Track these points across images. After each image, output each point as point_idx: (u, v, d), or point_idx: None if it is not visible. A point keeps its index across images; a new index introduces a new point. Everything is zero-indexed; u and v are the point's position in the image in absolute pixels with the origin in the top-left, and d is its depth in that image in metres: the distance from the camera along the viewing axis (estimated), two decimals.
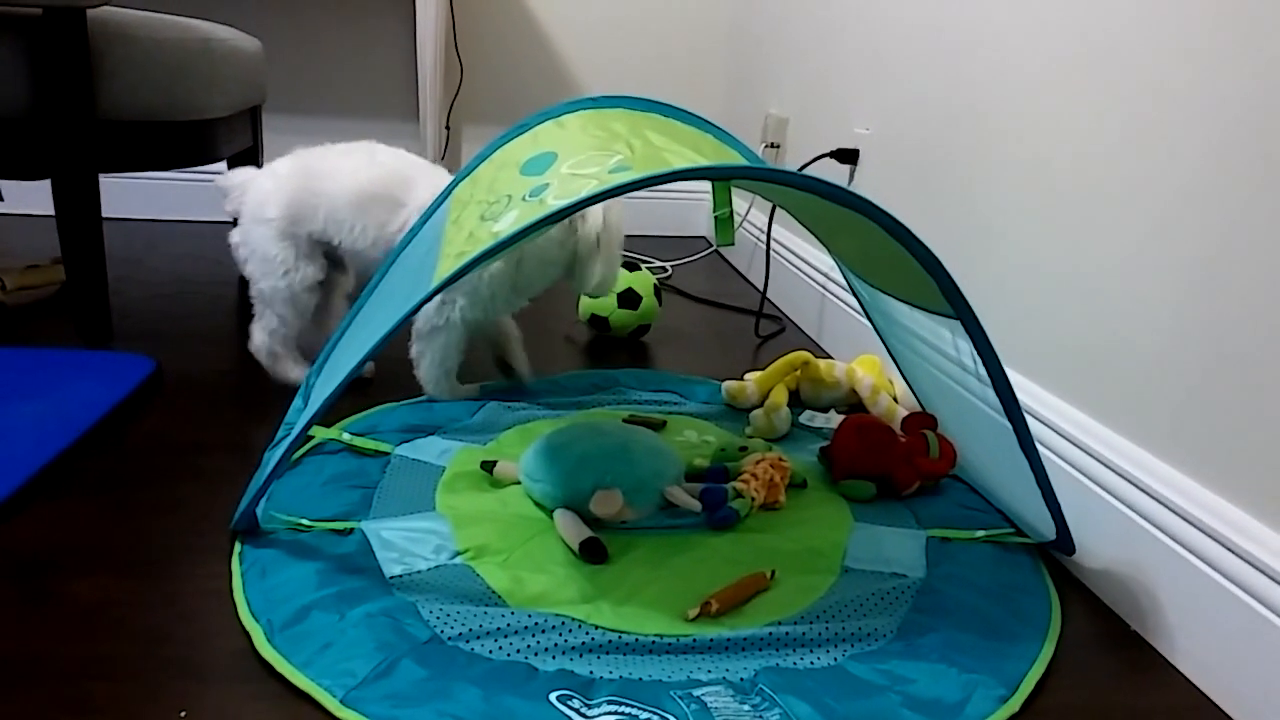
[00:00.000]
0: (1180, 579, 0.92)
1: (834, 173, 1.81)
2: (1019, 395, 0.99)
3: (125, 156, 1.53)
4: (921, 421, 1.26)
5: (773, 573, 0.98)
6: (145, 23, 1.53)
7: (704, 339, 1.88)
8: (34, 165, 1.48)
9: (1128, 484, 0.99)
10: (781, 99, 2.23)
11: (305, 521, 1.02)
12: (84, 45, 1.42)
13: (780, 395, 1.44)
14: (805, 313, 1.97)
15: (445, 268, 0.96)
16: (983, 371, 0.95)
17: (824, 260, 1.89)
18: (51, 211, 1.50)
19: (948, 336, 1.03)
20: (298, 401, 1.27)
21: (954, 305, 0.91)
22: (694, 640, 0.86)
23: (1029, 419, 1.11)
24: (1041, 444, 1.12)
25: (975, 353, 0.94)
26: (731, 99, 2.66)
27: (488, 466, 1.18)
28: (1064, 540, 1.04)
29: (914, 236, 0.87)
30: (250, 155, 1.96)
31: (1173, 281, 0.95)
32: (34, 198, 2.33)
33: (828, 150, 1.81)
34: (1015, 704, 0.82)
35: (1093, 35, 1.09)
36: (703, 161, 1.06)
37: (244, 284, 2.01)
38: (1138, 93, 1.01)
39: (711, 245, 2.68)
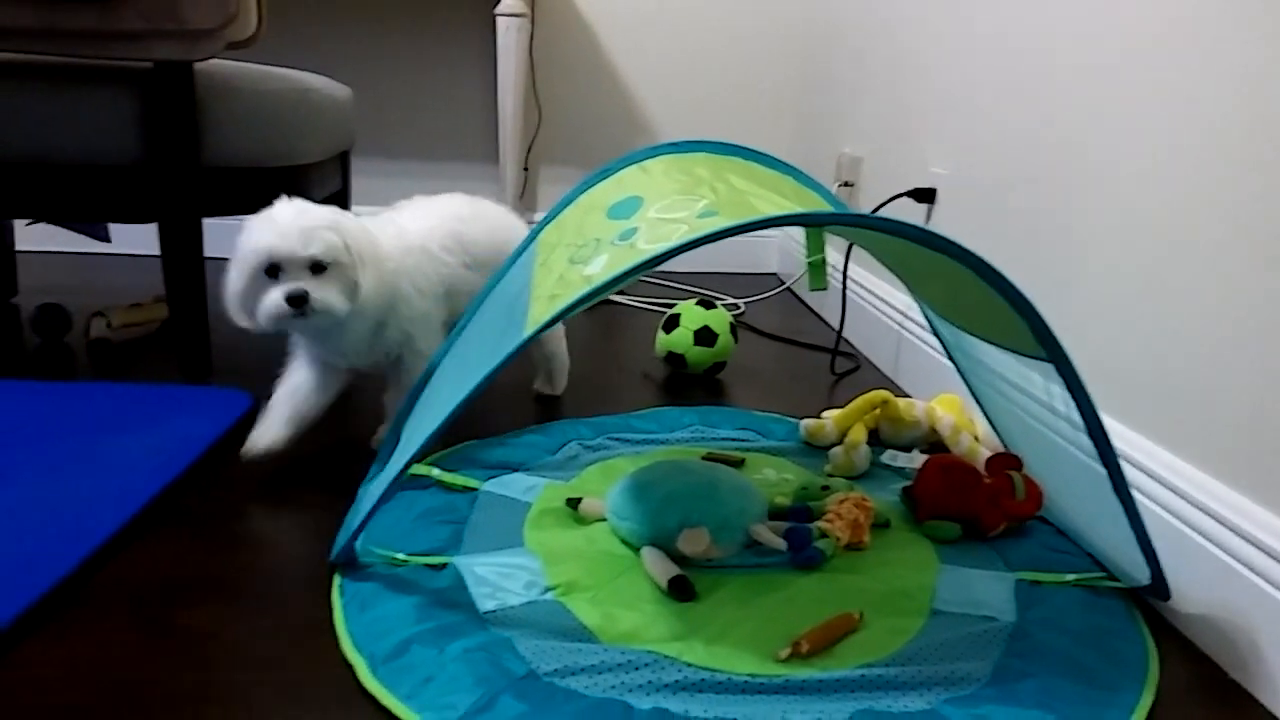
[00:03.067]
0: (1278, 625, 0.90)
1: (910, 212, 1.81)
2: (1111, 439, 0.98)
3: (226, 201, 1.60)
4: (1006, 462, 1.25)
5: (861, 614, 0.98)
6: (248, 74, 1.60)
7: (779, 376, 1.89)
8: (143, 210, 1.56)
9: (1224, 529, 0.97)
10: (855, 137, 2.25)
11: (400, 556, 1.05)
12: (191, 97, 1.49)
13: (860, 433, 1.44)
14: (881, 350, 1.97)
15: (539, 310, 0.99)
16: (1075, 416, 0.95)
17: (900, 298, 1.89)
18: (153, 251, 1.58)
19: (1038, 380, 1.03)
20: (389, 437, 1.31)
21: (1047, 349, 0.91)
22: (786, 681, 0.87)
23: (1122, 463, 1.10)
24: (1134, 488, 1.10)
25: (1068, 396, 0.94)
26: (804, 137, 2.68)
27: (573, 503, 1.20)
28: (1159, 585, 1.03)
29: (1006, 280, 0.88)
30: (340, 198, 2.03)
31: (1272, 325, 0.94)
32: (137, 238, 2.44)
33: (904, 190, 1.81)
34: None
35: (1181, 75, 1.09)
36: (787, 204, 1.08)
37: None
38: (1232, 132, 1.01)
39: (783, 283, 2.69)
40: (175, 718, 0.80)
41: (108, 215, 1.61)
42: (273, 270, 1.19)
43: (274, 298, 1.20)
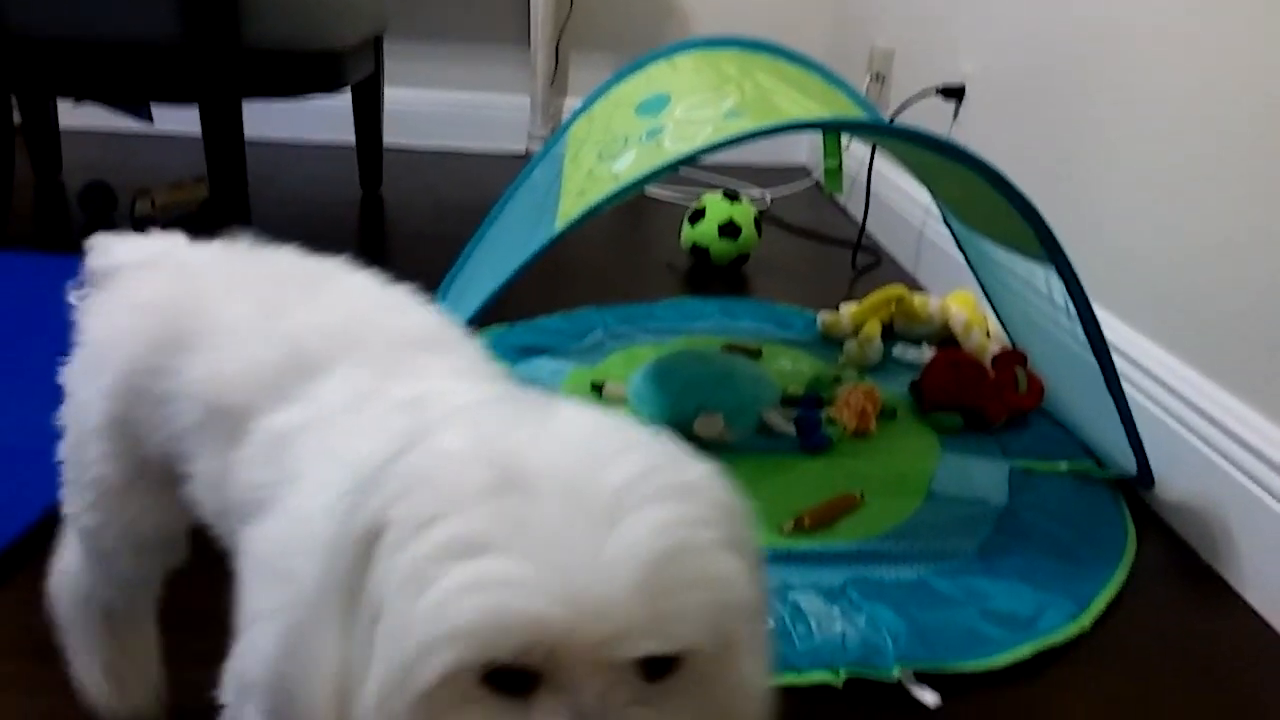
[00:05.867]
0: (1255, 515, 0.96)
1: (939, 110, 1.82)
2: (1109, 334, 1.04)
3: (265, 84, 1.64)
4: (1012, 358, 1.31)
5: (862, 494, 1.06)
6: None
7: (801, 270, 1.94)
8: (183, 90, 1.60)
9: (1209, 424, 1.03)
10: (888, 31, 2.23)
11: None
12: None
13: (874, 327, 1.49)
14: (903, 246, 2.00)
15: (568, 205, 1.04)
16: (1072, 310, 1.00)
17: (924, 195, 1.91)
18: (192, 131, 1.62)
19: (1040, 274, 1.07)
20: None
21: (1049, 252, 0.96)
22: (789, 552, 0.95)
23: (1117, 358, 1.15)
24: (1127, 382, 1.16)
25: (1066, 292, 0.99)
26: (837, 29, 2.65)
27: (597, 388, 1.28)
28: (1144, 474, 1.10)
29: (1013, 187, 0.92)
30: (373, 82, 2.06)
31: (1275, 233, 0.98)
32: (179, 118, 2.48)
33: (933, 86, 1.82)
34: (1085, 621, 0.89)
35: None
36: (812, 105, 1.11)
37: (366, 205, 2.13)
38: (1252, 41, 1.02)
39: (811, 175, 2.70)
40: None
41: (149, 95, 1.66)
42: (508, 674, 0.37)
43: None
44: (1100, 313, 1.06)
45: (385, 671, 0.37)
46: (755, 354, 1.45)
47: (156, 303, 0.61)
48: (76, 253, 0.73)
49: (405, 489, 0.38)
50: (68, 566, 0.71)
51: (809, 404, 1.25)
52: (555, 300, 1.63)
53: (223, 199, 1.66)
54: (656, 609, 0.37)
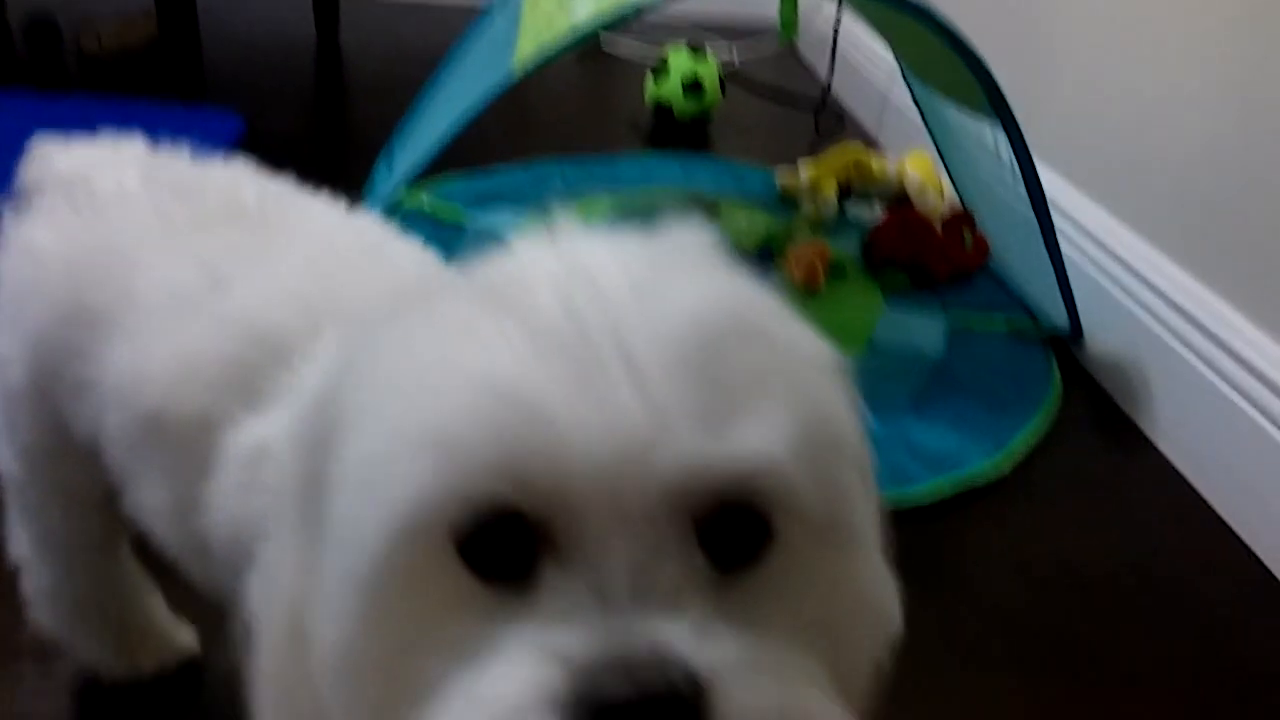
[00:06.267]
0: (1172, 368, 1.02)
1: None
2: (1052, 193, 1.06)
3: None
4: (959, 219, 1.33)
5: None
6: None
7: (764, 130, 1.94)
8: None
9: (1137, 280, 1.08)
10: None
11: None
12: None
13: (829, 186, 1.51)
14: (867, 108, 2.00)
15: (525, 49, 1.04)
16: (1017, 169, 1.03)
17: (890, 58, 1.90)
18: None
19: (989, 132, 1.10)
20: (381, 168, 1.38)
21: (994, 106, 0.97)
22: None
23: (1057, 216, 1.18)
24: (1065, 239, 1.19)
25: (1010, 148, 1.01)
26: None
27: None
28: (1074, 329, 1.14)
29: (962, 40, 0.92)
30: None
31: (1211, 101, 1.00)
32: None
33: None
34: (1005, 462, 0.95)
35: None
36: None
37: (322, 43, 2.07)
38: None
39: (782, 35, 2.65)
40: None
41: None
42: (498, 544, 0.26)
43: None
44: (1045, 172, 1.08)
45: (335, 558, 0.27)
46: (712, 209, 1.46)
47: (59, 256, 0.48)
48: (21, 86, 0.67)
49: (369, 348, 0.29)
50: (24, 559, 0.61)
51: (760, 259, 1.28)
52: (516, 152, 1.62)
53: (172, 39, 1.62)
54: (710, 396, 0.24)
